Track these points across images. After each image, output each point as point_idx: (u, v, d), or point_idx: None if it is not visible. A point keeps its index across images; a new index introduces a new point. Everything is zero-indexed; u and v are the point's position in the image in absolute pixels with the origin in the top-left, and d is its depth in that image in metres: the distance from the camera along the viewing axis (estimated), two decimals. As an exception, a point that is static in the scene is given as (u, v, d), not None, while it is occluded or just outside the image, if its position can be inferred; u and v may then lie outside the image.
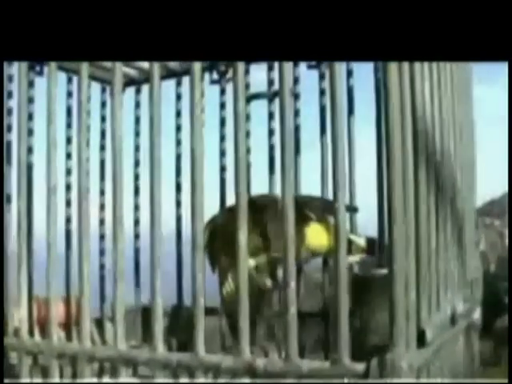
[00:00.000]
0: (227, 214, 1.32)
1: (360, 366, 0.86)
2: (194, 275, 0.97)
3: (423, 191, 0.95)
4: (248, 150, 1.55)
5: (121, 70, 1.06)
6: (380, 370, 0.85)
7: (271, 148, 1.53)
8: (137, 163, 1.63)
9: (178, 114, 1.61)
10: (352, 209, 1.46)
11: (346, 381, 0.87)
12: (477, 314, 1.37)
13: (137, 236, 1.60)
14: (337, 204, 0.87)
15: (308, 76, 1.53)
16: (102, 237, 1.60)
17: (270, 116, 1.53)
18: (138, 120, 1.65)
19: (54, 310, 1.11)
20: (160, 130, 1.02)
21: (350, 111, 1.48)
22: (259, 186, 1.55)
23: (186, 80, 1.52)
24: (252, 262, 1.28)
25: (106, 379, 1.25)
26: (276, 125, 1.47)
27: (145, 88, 1.61)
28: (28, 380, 1.12)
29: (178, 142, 1.60)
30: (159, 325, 0.98)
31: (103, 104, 1.65)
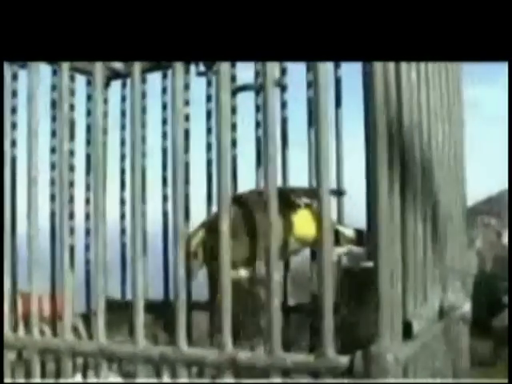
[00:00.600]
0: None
1: (344, 359, 0.85)
2: (176, 269, 0.96)
3: (409, 182, 0.94)
4: (234, 143, 1.54)
5: (101, 65, 1.05)
6: (365, 363, 0.84)
7: (258, 141, 1.52)
8: (123, 157, 1.61)
9: (164, 107, 1.59)
10: (338, 192, 1.43)
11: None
12: (467, 308, 1.35)
13: (123, 230, 1.58)
14: (321, 190, 0.86)
15: (296, 67, 1.52)
16: (87, 232, 1.58)
17: (257, 108, 1.52)
18: (123, 113, 1.63)
19: (39, 304, 1.10)
20: (139, 126, 1.00)
21: (338, 102, 1.46)
22: (246, 179, 1.54)
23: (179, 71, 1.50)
24: (245, 273, 1.27)
25: (90, 375, 1.24)
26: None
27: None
28: (10, 379, 1.11)
29: (164, 136, 1.58)
30: (140, 318, 0.96)
31: (89, 97, 1.63)
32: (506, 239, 2.98)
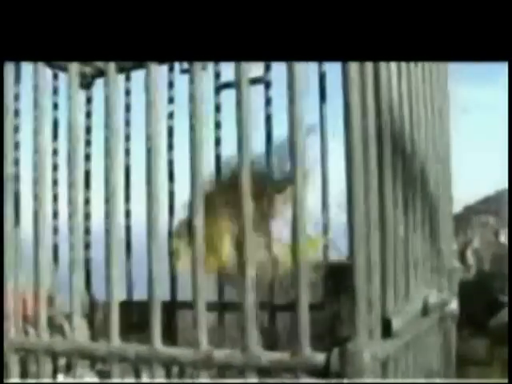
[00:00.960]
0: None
1: (321, 357, 0.84)
2: (151, 266, 0.95)
3: (388, 177, 0.92)
4: (218, 141, 1.52)
5: (76, 66, 1.04)
6: (341, 361, 0.82)
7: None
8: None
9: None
10: None
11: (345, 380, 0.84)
12: (454, 305, 1.34)
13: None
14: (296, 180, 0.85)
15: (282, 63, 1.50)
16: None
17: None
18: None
19: (20, 304, 1.09)
20: (114, 124, 1.00)
21: (322, 97, 1.45)
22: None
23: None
24: None
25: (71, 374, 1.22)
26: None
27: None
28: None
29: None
30: (115, 317, 0.95)
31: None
32: (503, 238, 2.97)
